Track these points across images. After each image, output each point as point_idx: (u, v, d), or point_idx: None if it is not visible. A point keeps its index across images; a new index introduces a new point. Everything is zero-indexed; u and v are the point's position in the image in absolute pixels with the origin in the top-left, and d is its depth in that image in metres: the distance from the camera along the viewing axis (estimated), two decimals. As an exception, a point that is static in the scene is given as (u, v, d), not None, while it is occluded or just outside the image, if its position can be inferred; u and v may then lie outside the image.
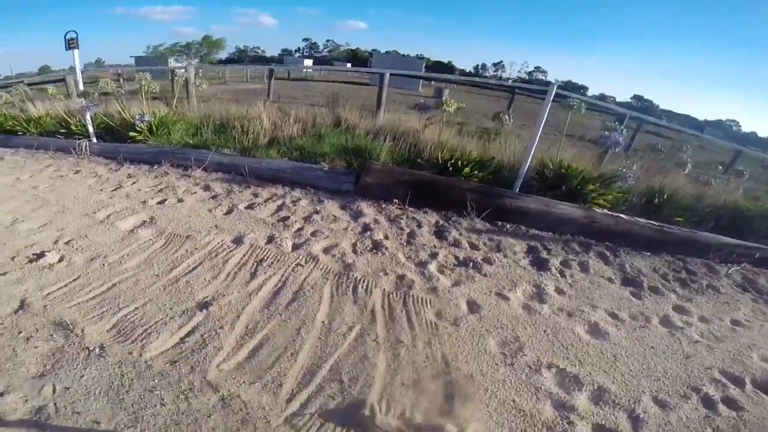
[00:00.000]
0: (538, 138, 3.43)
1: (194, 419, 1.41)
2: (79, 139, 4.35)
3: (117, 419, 1.39)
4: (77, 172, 3.77)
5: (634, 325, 2.17)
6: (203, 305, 1.98)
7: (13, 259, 2.34)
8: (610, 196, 3.52)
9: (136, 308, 1.95)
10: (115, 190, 3.39)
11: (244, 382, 1.57)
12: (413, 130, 4.33)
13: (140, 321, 1.87)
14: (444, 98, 3.60)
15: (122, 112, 4.59)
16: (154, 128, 4.37)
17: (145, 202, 3.14)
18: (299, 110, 4.99)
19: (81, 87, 4.40)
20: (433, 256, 2.62)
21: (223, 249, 2.51)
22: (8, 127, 5.04)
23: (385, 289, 2.19)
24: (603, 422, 1.54)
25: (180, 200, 3.17)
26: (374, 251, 2.59)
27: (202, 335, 1.79)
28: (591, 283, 2.53)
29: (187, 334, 1.80)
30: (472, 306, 2.16)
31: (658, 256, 2.98)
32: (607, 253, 2.94)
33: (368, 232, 2.83)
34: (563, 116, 3.68)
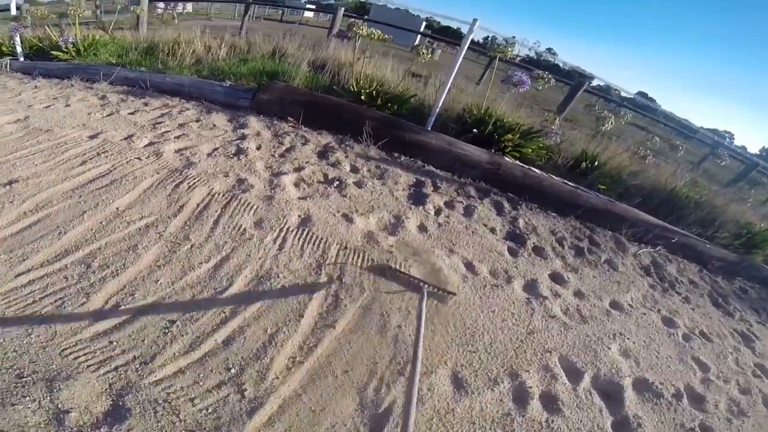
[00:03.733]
0: (453, 74, 3.17)
1: None
2: (3, 58, 4.28)
3: None
4: (-12, 83, 3.70)
5: (487, 281, 1.88)
6: (9, 183, 1.90)
7: None
8: (528, 150, 3.26)
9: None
10: (12, 97, 3.31)
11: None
12: (348, 63, 4.06)
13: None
14: (353, 22, 3.36)
15: (51, 35, 4.46)
16: (81, 49, 4.25)
17: (31, 106, 3.05)
18: (242, 42, 4.75)
19: (14, 12, 4.33)
20: (299, 170, 2.47)
21: (74, 141, 2.41)
22: None
23: (213, 189, 2.06)
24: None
25: (67, 105, 3.07)
26: (232, 157, 2.46)
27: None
28: (466, 228, 2.27)
29: None
30: (305, 221, 1.97)
31: (564, 219, 2.71)
32: (505, 204, 2.69)
33: (240, 141, 2.69)
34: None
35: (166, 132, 2.67)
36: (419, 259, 1.90)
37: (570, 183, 2.96)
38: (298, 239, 1.82)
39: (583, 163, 3.36)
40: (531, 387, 1.41)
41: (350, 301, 1.54)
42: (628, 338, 1.81)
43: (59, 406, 1.03)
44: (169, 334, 1.29)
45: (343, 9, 5.40)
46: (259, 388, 1.18)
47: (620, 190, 3.29)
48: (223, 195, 2.03)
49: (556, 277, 2.10)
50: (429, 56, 3.42)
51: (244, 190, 2.11)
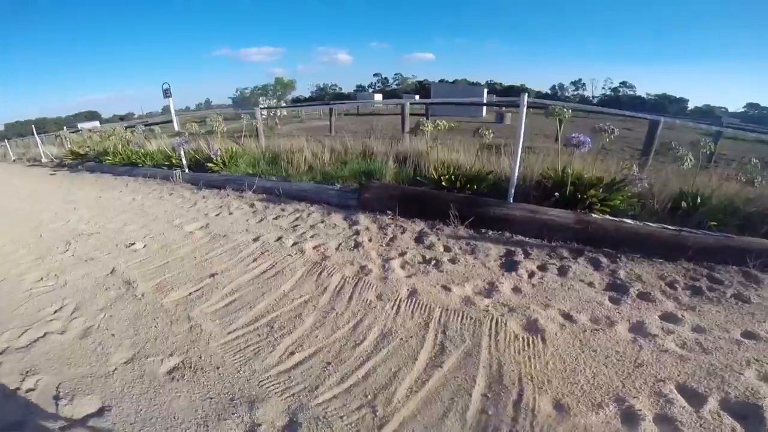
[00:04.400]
0: (520, 147, 3.56)
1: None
2: (176, 169, 5.92)
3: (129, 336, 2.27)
4: (171, 194, 5.23)
5: (587, 327, 2.07)
6: (212, 275, 2.86)
7: (116, 246, 3.57)
8: (616, 201, 3.33)
9: (173, 275, 2.91)
10: (191, 206, 4.65)
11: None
12: (424, 152, 4.89)
13: (172, 282, 2.81)
14: (419, 121, 4.16)
15: (203, 148, 6.10)
16: (226, 161, 5.74)
17: (207, 214, 4.29)
18: (336, 142, 5.97)
19: (176, 128, 6.03)
20: (402, 254, 3.12)
21: (244, 244, 3.41)
22: (133, 160, 7.09)
23: (345, 275, 2.80)
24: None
25: (230, 213, 4.25)
26: (353, 249, 3.23)
27: (204, 293, 2.65)
28: (561, 285, 2.46)
29: (195, 290, 2.68)
30: (412, 293, 2.54)
31: (673, 264, 2.68)
32: (602, 260, 2.79)
33: (356, 236, 3.48)
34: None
35: (303, 233, 3.59)
36: (516, 315, 2.24)
37: (670, 227, 2.90)
38: (409, 306, 2.41)
39: (683, 202, 3.29)
40: (640, 411, 1.55)
41: (453, 348, 2.03)
42: (766, 363, 1.77)
43: (255, 420, 1.66)
44: (326, 371, 1.92)
45: (408, 103, 6.42)
46: (387, 409, 1.70)
47: (737, 222, 3.10)
48: (353, 278, 2.75)
49: (667, 317, 2.13)
50: (491, 136, 3.84)
51: (366, 273, 2.81)
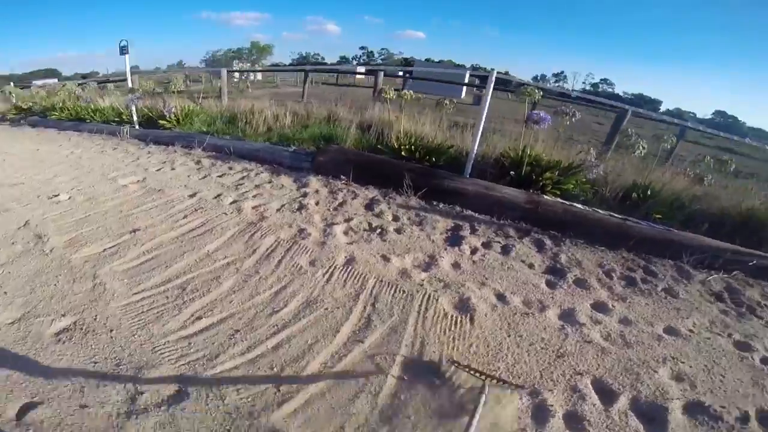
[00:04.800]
0: (482, 123, 3.50)
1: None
2: (125, 125, 5.49)
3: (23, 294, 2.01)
4: (115, 149, 4.81)
5: (518, 310, 2.03)
6: (134, 231, 2.60)
7: (38, 197, 3.22)
8: (569, 185, 3.36)
9: (91, 229, 2.62)
10: (133, 161, 4.28)
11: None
12: (390, 122, 4.66)
13: (88, 236, 2.53)
14: (382, 88, 3.94)
15: (157, 105, 5.67)
16: (180, 119, 5.34)
17: (147, 169, 3.95)
18: (301, 107, 5.64)
19: (130, 85, 5.55)
20: (348, 220, 2.95)
21: (179, 199, 3.14)
22: (82, 116, 6.51)
23: (279, 237, 2.59)
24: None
25: (172, 169, 3.93)
26: (295, 211, 3.02)
27: (120, 250, 2.40)
28: (501, 264, 2.43)
29: (111, 246, 2.42)
30: (350, 261, 2.40)
31: (614, 252, 2.69)
32: (547, 242, 2.77)
33: (302, 198, 3.27)
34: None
35: (246, 192, 3.35)
36: (449, 291, 2.14)
37: (617, 215, 2.93)
38: (342, 274, 2.25)
39: (634, 193, 3.35)
40: (553, 405, 1.49)
41: (380, 323, 1.89)
42: (682, 362, 1.76)
43: (138, 388, 1.47)
44: (232, 339, 1.74)
45: (382, 73, 6.13)
46: (293, 385, 1.53)
47: (681, 217, 3.19)
48: (287, 241, 2.56)
49: (598, 307, 2.11)
50: (453, 107, 3.82)
51: (303, 237, 2.62)
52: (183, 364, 1.59)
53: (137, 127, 5.57)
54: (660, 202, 3.27)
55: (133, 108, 5.52)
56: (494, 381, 1.55)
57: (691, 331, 1.98)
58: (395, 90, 4.57)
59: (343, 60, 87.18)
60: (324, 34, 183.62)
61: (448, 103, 3.70)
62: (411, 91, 3.96)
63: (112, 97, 7.05)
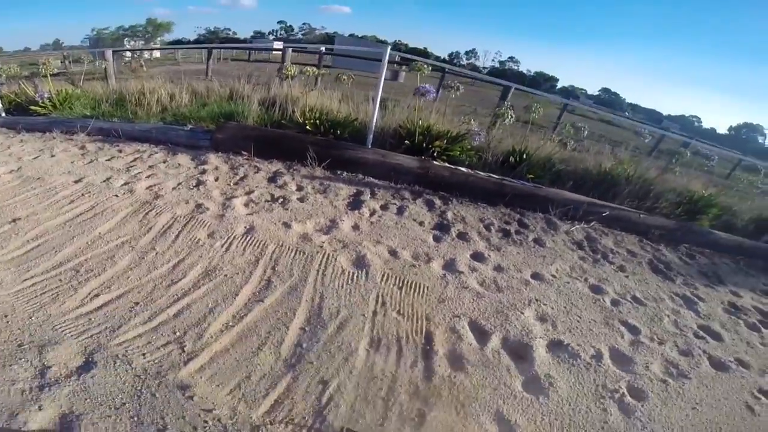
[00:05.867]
0: (379, 96, 3.76)
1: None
2: None
3: None
4: (-23, 138, 4.20)
5: (406, 263, 2.23)
6: (14, 220, 2.45)
7: None
8: (456, 152, 3.81)
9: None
10: (3, 151, 3.82)
11: None
12: (297, 98, 4.73)
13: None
14: (286, 66, 4.05)
15: (27, 90, 5.01)
16: (57, 103, 4.80)
17: (21, 158, 3.57)
18: (202, 86, 5.41)
19: None
20: (249, 193, 3.03)
21: (62, 186, 2.95)
22: None
23: (176, 214, 2.63)
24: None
25: (52, 156, 3.61)
26: (192, 188, 3.03)
27: (1, 241, 2.27)
28: (396, 224, 2.70)
29: None
30: (249, 230, 2.49)
31: (494, 208, 3.06)
32: (437, 201, 3.11)
33: (201, 175, 3.26)
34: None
35: (138, 173, 3.23)
36: (347, 250, 2.37)
37: (495, 176, 3.38)
38: (242, 243, 2.37)
39: (512, 157, 3.83)
40: (436, 346, 1.68)
41: (280, 283, 2.07)
42: (545, 304, 1.97)
43: (45, 363, 1.50)
44: (133, 311, 1.80)
45: (290, 49, 6.09)
46: (197, 344, 1.65)
47: (551, 177, 3.70)
48: (184, 217, 2.59)
49: (476, 256, 2.37)
50: (351, 82, 4.12)
51: (201, 212, 2.67)
52: (86, 338, 1.64)
53: (3, 114, 4.89)
54: (533, 164, 3.76)
55: (-4, 95, 4.84)
56: None
57: (553, 276, 2.33)
58: (312, 66, 4.68)
59: (258, 35, 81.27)
60: (237, 8, 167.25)
61: (346, 78, 3.91)
62: (314, 68, 4.09)
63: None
